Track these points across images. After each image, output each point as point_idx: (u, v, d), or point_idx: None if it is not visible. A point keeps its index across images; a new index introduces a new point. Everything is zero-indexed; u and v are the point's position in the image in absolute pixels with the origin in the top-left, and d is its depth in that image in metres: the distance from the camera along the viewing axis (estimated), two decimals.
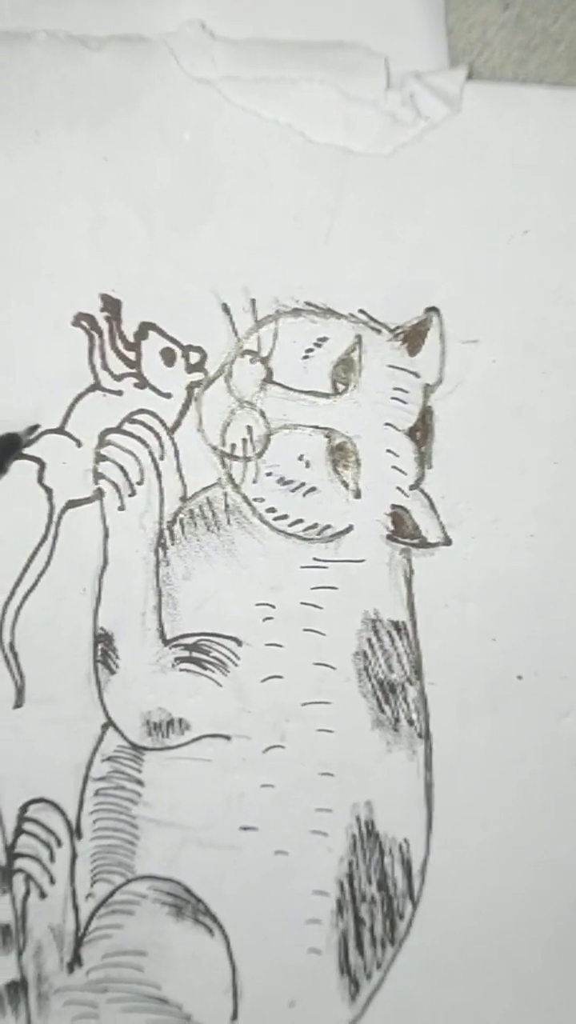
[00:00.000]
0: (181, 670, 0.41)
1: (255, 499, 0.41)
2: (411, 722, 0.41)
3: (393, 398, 0.42)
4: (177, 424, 0.41)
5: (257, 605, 0.41)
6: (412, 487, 0.42)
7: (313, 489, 0.41)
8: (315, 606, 0.41)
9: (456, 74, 0.41)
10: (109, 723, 0.41)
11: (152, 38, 0.40)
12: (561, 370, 0.42)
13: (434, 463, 0.42)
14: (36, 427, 0.40)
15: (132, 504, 0.41)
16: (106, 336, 0.41)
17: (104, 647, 0.40)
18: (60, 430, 0.41)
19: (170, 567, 0.41)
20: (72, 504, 0.41)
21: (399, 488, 0.42)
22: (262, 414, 0.41)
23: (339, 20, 0.41)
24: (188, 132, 0.40)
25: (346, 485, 0.41)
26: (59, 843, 0.40)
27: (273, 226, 0.41)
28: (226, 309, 0.41)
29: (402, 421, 0.42)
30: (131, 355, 0.41)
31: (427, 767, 0.42)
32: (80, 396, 0.41)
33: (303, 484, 0.41)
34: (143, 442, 0.41)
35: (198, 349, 0.41)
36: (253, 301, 0.41)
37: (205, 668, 0.41)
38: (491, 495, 0.42)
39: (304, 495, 0.41)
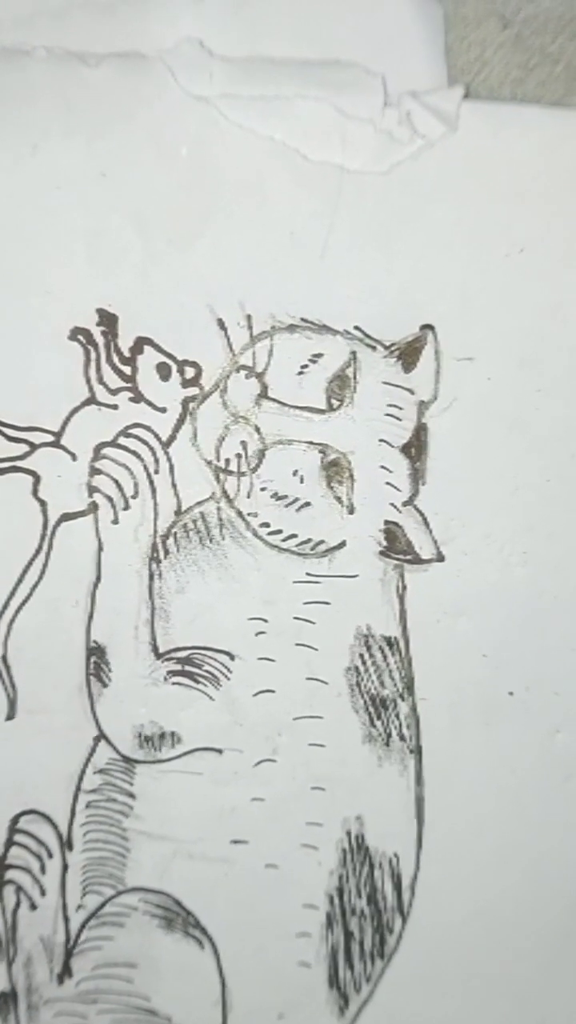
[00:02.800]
0: (173, 683, 0.41)
1: (249, 514, 0.41)
2: (402, 737, 0.42)
3: (387, 415, 0.42)
4: (172, 438, 0.41)
5: (250, 619, 0.41)
6: (405, 503, 0.42)
7: (307, 504, 0.41)
8: (308, 621, 0.41)
9: (453, 93, 0.41)
10: (101, 736, 0.41)
11: (150, 55, 0.41)
12: (555, 388, 0.42)
13: (428, 480, 0.42)
14: None
15: (126, 518, 0.41)
16: (102, 350, 0.41)
17: (97, 660, 0.41)
18: (55, 443, 0.41)
19: (163, 581, 0.41)
20: (66, 517, 0.41)
21: (393, 504, 0.42)
22: (257, 429, 0.41)
23: (337, 39, 0.41)
24: (185, 148, 0.41)
25: (340, 501, 0.41)
26: (50, 855, 0.40)
27: (269, 242, 0.41)
28: (221, 325, 0.41)
29: (396, 438, 0.42)
30: (127, 369, 0.41)
31: (418, 782, 0.42)
32: (76, 410, 0.41)
33: (297, 499, 0.41)
34: (138, 456, 0.41)
35: (193, 364, 0.41)
36: (249, 317, 0.41)
37: (197, 682, 0.41)
38: (484, 512, 0.42)
39: (298, 510, 0.41)
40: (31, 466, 0.40)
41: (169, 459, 0.41)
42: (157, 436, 0.41)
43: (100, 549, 0.41)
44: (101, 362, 0.41)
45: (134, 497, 0.41)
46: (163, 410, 0.41)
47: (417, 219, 0.41)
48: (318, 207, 0.41)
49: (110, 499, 0.41)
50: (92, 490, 0.41)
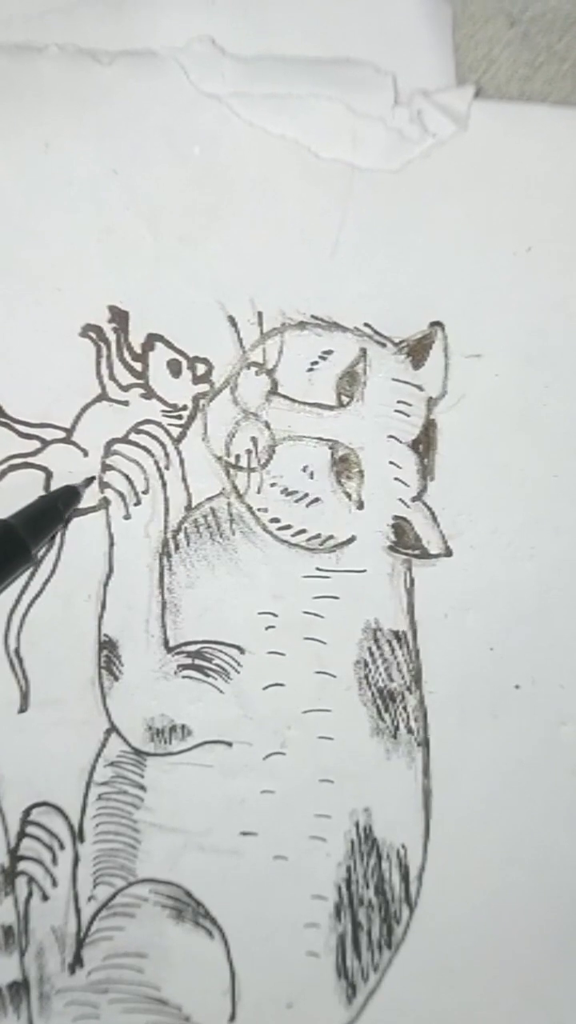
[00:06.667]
0: (184, 677, 0.41)
1: (259, 509, 0.42)
2: (410, 730, 0.42)
3: (396, 411, 0.42)
4: (183, 435, 0.41)
5: (259, 614, 0.41)
6: (414, 499, 0.42)
7: (316, 500, 0.42)
8: (317, 615, 0.41)
9: (464, 92, 0.41)
10: (112, 728, 0.41)
11: (162, 53, 0.41)
12: (563, 384, 0.43)
13: (436, 475, 0.42)
14: (92, 479, 0.40)
15: (137, 513, 0.41)
16: (113, 347, 0.41)
17: (108, 654, 0.41)
18: (67, 440, 0.41)
19: (174, 575, 0.41)
20: (78, 513, 0.41)
21: (401, 500, 0.42)
22: (267, 425, 0.42)
23: (347, 37, 0.41)
24: (197, 146, 0.41)
25: (349, 496, 0.42)
26: (62, 846, 0.41)
27: (280, 240, 0.41)
28: (232, 321, 0.42)
29: (405, 433, 0.42)
30: (138, 366, 0.41)
31: (425, 774, 0.42)
32: (87, 406, 0.41)
33: (307, 495, 0.42)
34: (149, 452, 0.41)
35: (204, 361, 0.41)
36: (259, 314, 0.42)
37: (207, 675, 0.41)
38: (492, 507, 0.42)
39: (307, 506, 0.42)
40: (43, 462, 0.41)
41: (180, 455, 0.41)
42: (168, 432, 0.41)
43: (111, 544, 0.41)
44: (112, 359, 0.41)
45: (145, 493, 0.41)
46: (174, 406, 0.41)
47: (426, 217, 0.42)
48: (329, 205, 0.41)
49: (121, 495, 0.41)
50: (103, 486, 0.41)
